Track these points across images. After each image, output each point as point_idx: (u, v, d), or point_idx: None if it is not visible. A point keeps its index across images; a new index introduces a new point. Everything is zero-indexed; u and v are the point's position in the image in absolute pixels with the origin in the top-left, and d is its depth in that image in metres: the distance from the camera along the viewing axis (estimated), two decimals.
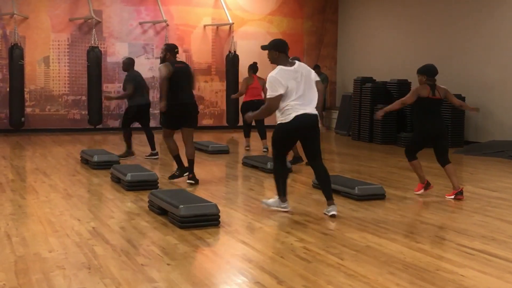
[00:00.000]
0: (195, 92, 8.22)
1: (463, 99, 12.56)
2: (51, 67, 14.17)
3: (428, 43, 13.87)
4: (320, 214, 6.06)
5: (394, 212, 6.26)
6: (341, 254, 4.66)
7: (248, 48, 15.66)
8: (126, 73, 9.92)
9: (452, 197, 6.98)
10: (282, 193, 6.10)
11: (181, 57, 14.43)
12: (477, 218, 6.06)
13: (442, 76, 13.41)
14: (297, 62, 5.95)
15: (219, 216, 5.56)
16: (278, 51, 5.92)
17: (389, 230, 5.47)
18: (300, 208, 6.41)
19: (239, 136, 14.21)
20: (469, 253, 4.77)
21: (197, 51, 15.30)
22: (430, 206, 6.59)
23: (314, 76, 6.02)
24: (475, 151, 11.45)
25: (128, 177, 7.17)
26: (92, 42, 13.87)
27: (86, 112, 14.09)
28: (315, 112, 5.91)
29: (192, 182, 7.57)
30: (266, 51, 6.03)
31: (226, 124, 15.40)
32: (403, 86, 13.30)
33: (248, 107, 9.79)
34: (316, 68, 16.26)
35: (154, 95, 14.43)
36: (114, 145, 10.35)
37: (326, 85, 16.01)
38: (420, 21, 14.25)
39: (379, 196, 6.90)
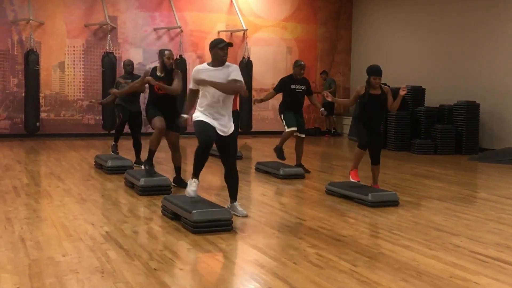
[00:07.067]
0: None
1: (477, 106, 12.53)
2: (66, 72, 14.28)
3: (443, 50, 13.82)
4: (333, 220, 6.05)
5: (408, 219, 6.23)
6: (354, 261, 4.64)
7: (262, 54, 15.69)
8: None
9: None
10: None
11: (195, 63, 14.55)
12: (491, 225, 6.02)
13: (457, 83, 13.44)
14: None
15: (232, 222, 5.57)
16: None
17: (403, 237, 5.45)
18: (313, 214, 6.41)
19: (252, 142, 14.22)
20: (483, 261, 4.73)
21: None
22: (444, 213, 6.55)
23: None
24: (489, 158, 11.38)
25: (141, 182, 7.20)
26: (107, 48, 13.98)
27: (101, 117, 14.19)
28: None
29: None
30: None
31: (239, 130, 15.42)
32: (417, 92, 13.25)
33: None
34: (324, 73, 16.38)
35: None
36: (127, 150, 10.37)
37: (334, 88, 15.97)
38: (434, 28, 14.21)
39: (393, 203, 6.88)
